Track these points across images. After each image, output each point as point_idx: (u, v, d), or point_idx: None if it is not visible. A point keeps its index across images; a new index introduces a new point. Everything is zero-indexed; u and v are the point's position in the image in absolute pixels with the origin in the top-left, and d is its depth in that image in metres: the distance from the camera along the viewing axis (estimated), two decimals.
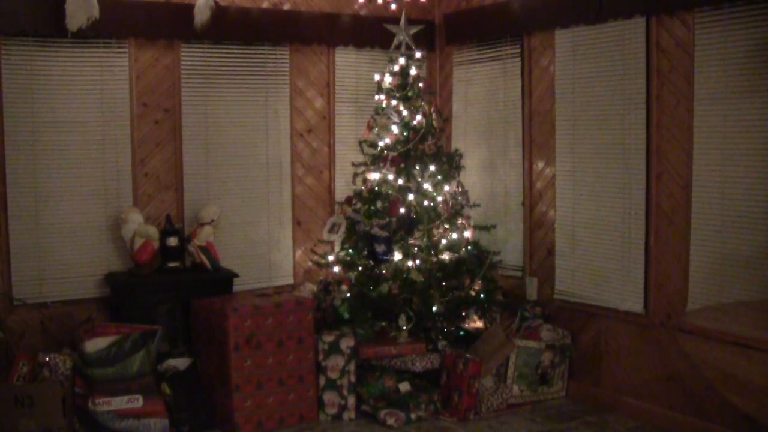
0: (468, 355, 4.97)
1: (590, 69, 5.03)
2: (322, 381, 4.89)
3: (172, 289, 5.08)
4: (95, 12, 4.80)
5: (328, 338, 4.90)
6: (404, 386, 4.99)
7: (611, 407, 4.96)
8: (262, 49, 5.62)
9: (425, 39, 6.01)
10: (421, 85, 5.39)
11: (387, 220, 5.19)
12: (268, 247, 5.73)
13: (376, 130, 5.40)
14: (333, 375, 4.88)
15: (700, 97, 4.40)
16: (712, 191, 4.37)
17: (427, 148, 5.30)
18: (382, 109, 5.37)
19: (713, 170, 4.36)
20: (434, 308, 5.11)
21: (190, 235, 5.26)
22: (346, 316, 5.21)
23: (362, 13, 5.93)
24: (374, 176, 5.31)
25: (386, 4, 5.80)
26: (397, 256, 5.13)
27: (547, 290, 5.44)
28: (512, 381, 5.08)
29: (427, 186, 5.24)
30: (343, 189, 5.91)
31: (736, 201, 4.25)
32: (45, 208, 4.99)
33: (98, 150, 5.14)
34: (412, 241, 5.20)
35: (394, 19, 5.53)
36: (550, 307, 5.40)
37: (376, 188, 5.28)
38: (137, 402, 4.46)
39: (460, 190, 5.43)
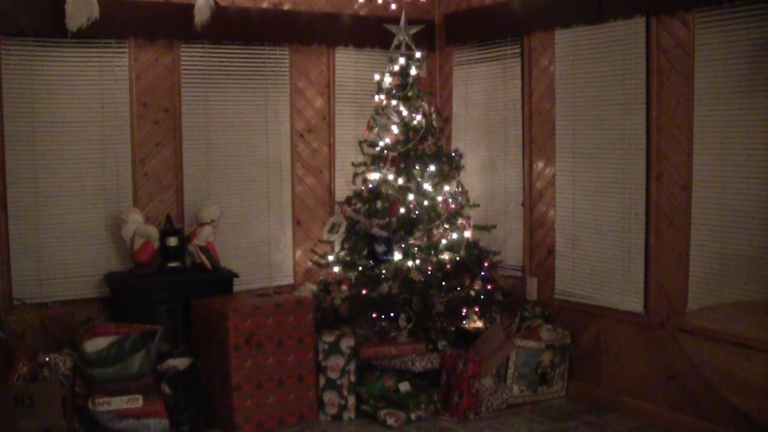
0: (468, 355, 4.97)
1: (590, 69, 5.03)
2: (322, 381, 4.88)
3: (172, 289, 5.08)
4: (95, 12, 4.79)
5: (328, 338, 4.89)
6: (404, 386, 4.99)
7: (611, 407, 4.96)
8: (262, 49, 5.62)
9: (425, 39, 6.01)
10: (420, 85, 5.39)
11: (387, 220, 5.19)
12: (268, 247, 5.73)
13: (376, 130, 5.39)
14: (333, 375, 4.88)
15: (700, 97, 4.40)
16: (712, 191, 4.36)
17: (427, 148, 5.30)
18: (382, 109, 5.37)
19: (713, 170, 4.36)
20: (434, 308, 5.11)
21: (190, 235, 5.26)
22: None
23: (362, 13, 5.93)
24: (374, 176, 5.31)
25: (386, 4, 5.80)
26: (397, 256, 5.13)
27: (547, 290, 5.44)
28: (512, 381, 5.07)
29: (427, 186, 5.24)
30: (343, 189, 5.91)
31: (736, 201, 4.25)
32: (45, 208, 4.99)
33: (98, 150, 5.13)
34: (412, 241, 5.20)
35: (394, 19, 5.53)
36: (550, 307, 5.40)
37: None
38: (137, 402, 4.46)
39: (460, 190, 5.43)
